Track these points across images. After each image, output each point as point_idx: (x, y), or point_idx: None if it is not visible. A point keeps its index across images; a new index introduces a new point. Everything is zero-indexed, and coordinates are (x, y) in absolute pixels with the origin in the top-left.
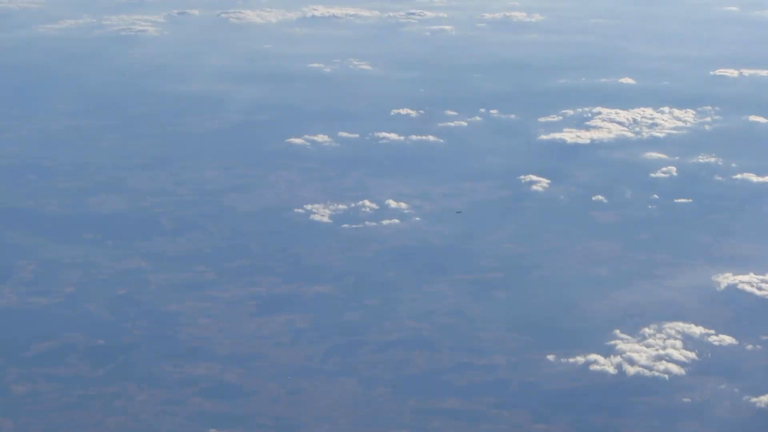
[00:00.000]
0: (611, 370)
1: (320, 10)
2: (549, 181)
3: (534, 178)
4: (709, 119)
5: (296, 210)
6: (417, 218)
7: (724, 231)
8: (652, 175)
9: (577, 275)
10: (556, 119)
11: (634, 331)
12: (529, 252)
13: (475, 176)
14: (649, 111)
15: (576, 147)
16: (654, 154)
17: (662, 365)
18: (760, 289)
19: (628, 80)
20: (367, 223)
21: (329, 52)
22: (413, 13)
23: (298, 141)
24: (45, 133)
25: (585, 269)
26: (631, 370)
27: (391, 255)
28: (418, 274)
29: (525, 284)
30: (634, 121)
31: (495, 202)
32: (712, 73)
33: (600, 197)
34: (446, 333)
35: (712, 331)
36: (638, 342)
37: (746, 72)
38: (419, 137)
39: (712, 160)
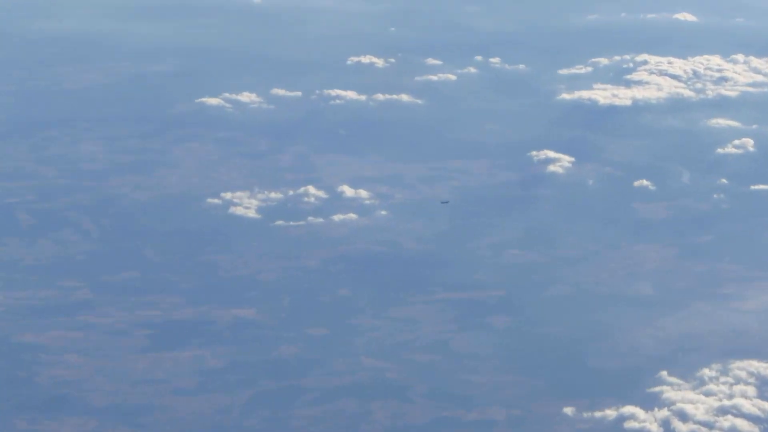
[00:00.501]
0: (655, 428)
1: None
2: (572, 159)
3: (551, 154)
4: None
5: (210, 200)
6: (383, 212)
7: None
8: (720, 150)
9: (611, 294)
10: (583, 71)
11: (688, 372)
12: (543, 261)
13: (468, 152)
14: (715, 60)
15: (612, 111)
16: (722, 121)
17: (727, 421)
18: None
19: (686, 16)
20: (311, 219)
21: None
22: None
23: (213, 101)
24: None
25: (621, 285)
26: (683, 428)
27: (344, 264)
28: (382, 292)
29: (535, 307)
30: (695, 73)
31: (496, 189)
32: None
33: (645, 182)
34: (421, 375)
35: None
36: (694, 389)
37: None
38: (388, 96)
39: None
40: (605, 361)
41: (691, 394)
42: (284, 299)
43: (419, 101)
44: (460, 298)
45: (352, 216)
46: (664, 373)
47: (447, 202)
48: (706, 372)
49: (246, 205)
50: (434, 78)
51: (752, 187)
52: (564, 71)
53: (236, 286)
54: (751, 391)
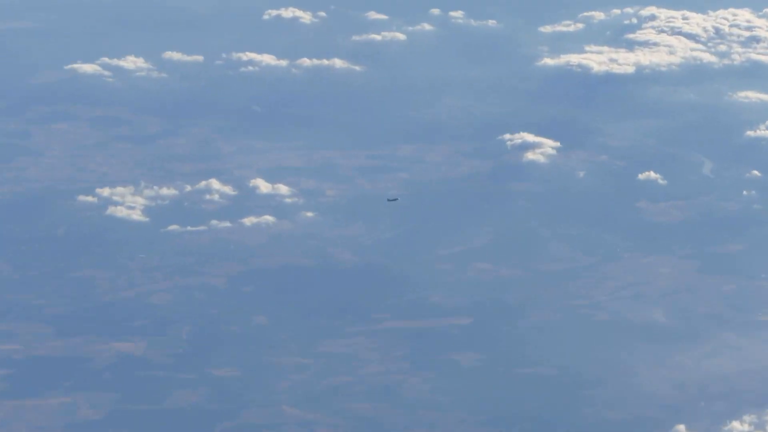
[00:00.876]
0: None
1: None
2: (557, 144)
3: (530, 138)
4: None
5: (82, 197)
6: (309, 213)
7: None
8: (750, 133)
9: (611, 322)
10: (571, 29)
11: (713, 426)
12: (521, 277)
13: (422, 134)
14: (744, 14)
15: (609, 80)
16: (753, 95)
17: None
18: None
19: None
20: (214, 222)
21: None
22: None
23: (88, 68)
24: None
25: (625, 310)
26: None
27: (260, 283)
28: (310, 320)
29: (511, 339)
30: (717, 32)
31: (458, 184)
32: None
33: (653, 175)
34: (362, 430)
35: None
36: None
37: None
38: (316, 61)
39: None
40: (605, 410)
41: None
42: (182, 329)
43: (357, 68)
44: (414, 327)
45: (269, 219)
46: (681, 428)
47: (395, 200)
48: (736, 426)
49: (129, 204)
50: (377, 37)
51: None
52: (547, 29)
53: (119, 311)
54: None
